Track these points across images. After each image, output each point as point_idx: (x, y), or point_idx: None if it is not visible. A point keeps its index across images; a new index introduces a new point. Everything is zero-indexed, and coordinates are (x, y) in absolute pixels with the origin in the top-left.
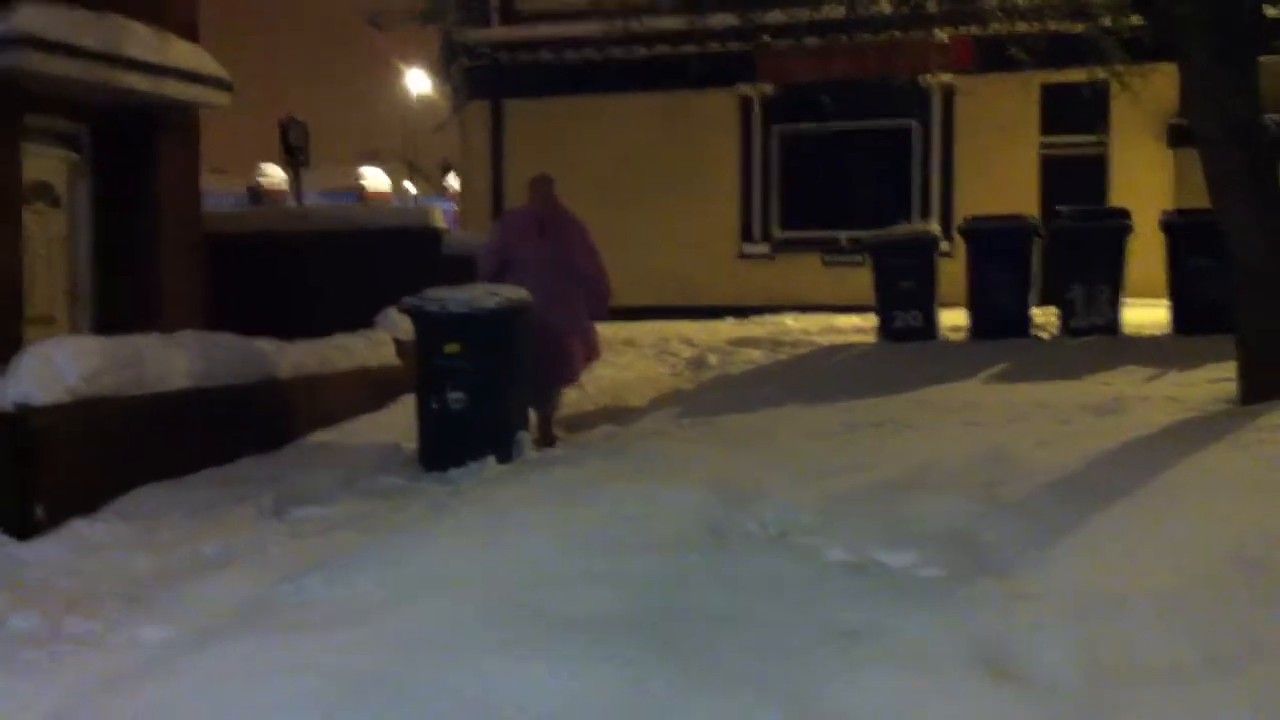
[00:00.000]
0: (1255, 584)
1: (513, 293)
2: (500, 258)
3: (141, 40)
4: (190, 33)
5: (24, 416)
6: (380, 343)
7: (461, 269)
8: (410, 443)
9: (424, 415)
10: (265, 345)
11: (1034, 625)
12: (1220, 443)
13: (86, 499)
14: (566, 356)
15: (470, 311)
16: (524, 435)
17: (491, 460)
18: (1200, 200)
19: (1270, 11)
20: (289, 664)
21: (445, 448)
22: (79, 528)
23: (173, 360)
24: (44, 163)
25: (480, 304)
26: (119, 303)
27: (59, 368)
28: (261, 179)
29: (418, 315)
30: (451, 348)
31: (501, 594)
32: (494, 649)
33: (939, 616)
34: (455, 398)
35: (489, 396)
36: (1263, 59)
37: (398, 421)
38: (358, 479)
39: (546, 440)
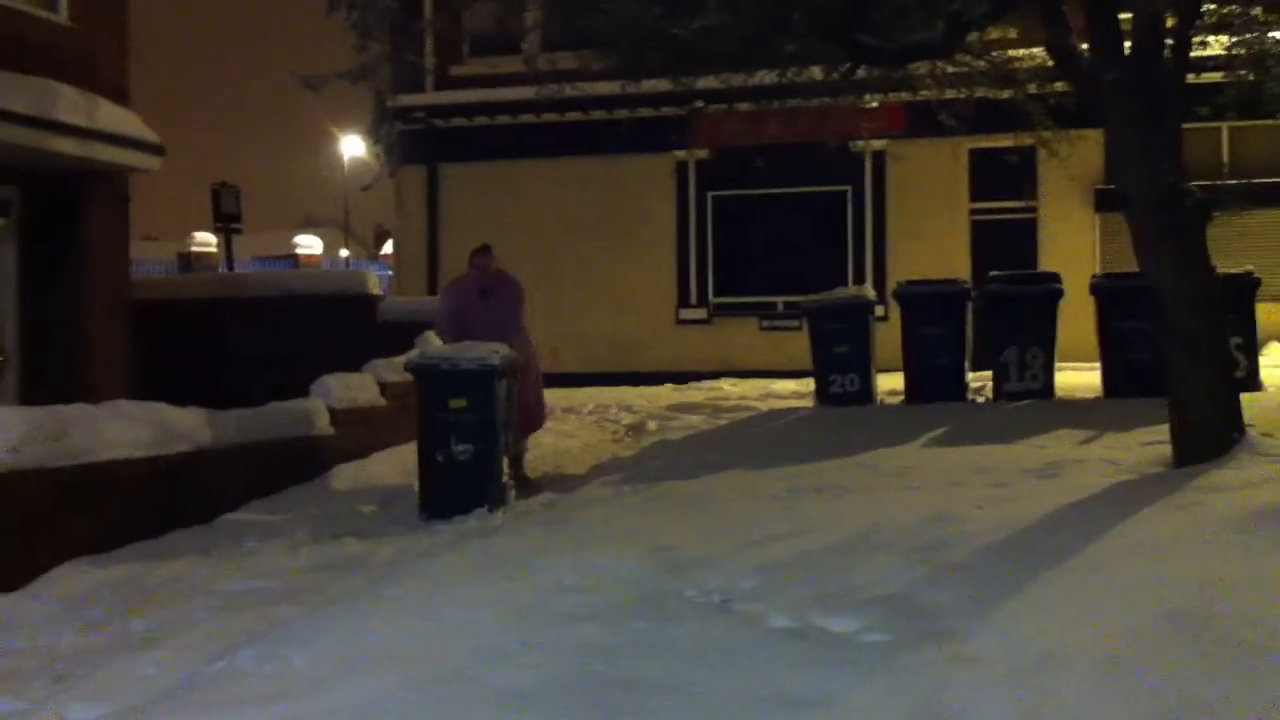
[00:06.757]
0: (1192, 643)
1: (510, 351)
2: (458, 322)
3: (70, 103)
4: (121, 97)
5: None
6: (314, 412)
7: (397, 335)
8: (347, 508)
9: (429, 467)
10: (195, 415)
11: (976, 689)
12: (1156, 505)
13: (11, 575)
14: (527, 405)
15: (479, 369)
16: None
17: (485, 510)
18: (1126, 264)
19: (1194, 78)
20: None
21: (450, 496)
22: (3, 604)
23: (100, 431)
24: None
25: (488, 362)
26: (46, 369)
27: None
28: (193, 247)
29: (429, 373)
30: (458, 403)
31: (441, 667)
32: None
33: (881, 682)
34: (461, 450)
35: (486, 448)
36: (1188, 125)
37: (331, 491)
38: (296, 549)
39: (522, 483)
